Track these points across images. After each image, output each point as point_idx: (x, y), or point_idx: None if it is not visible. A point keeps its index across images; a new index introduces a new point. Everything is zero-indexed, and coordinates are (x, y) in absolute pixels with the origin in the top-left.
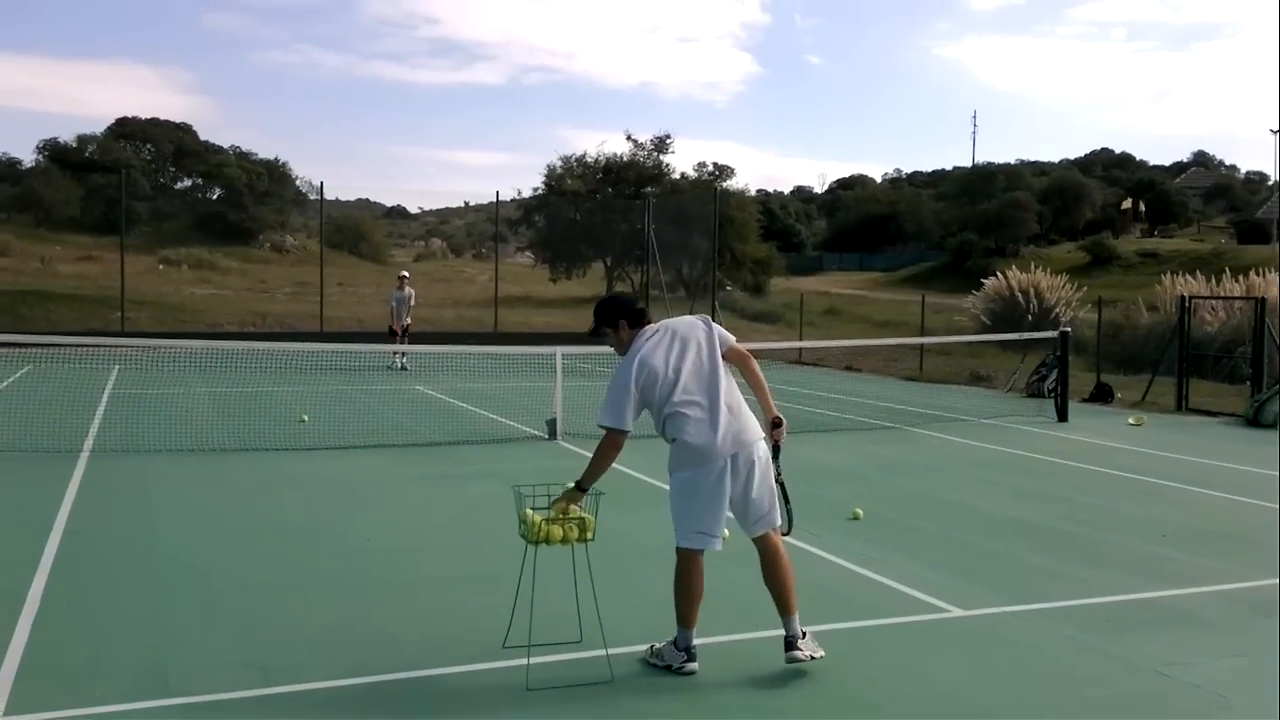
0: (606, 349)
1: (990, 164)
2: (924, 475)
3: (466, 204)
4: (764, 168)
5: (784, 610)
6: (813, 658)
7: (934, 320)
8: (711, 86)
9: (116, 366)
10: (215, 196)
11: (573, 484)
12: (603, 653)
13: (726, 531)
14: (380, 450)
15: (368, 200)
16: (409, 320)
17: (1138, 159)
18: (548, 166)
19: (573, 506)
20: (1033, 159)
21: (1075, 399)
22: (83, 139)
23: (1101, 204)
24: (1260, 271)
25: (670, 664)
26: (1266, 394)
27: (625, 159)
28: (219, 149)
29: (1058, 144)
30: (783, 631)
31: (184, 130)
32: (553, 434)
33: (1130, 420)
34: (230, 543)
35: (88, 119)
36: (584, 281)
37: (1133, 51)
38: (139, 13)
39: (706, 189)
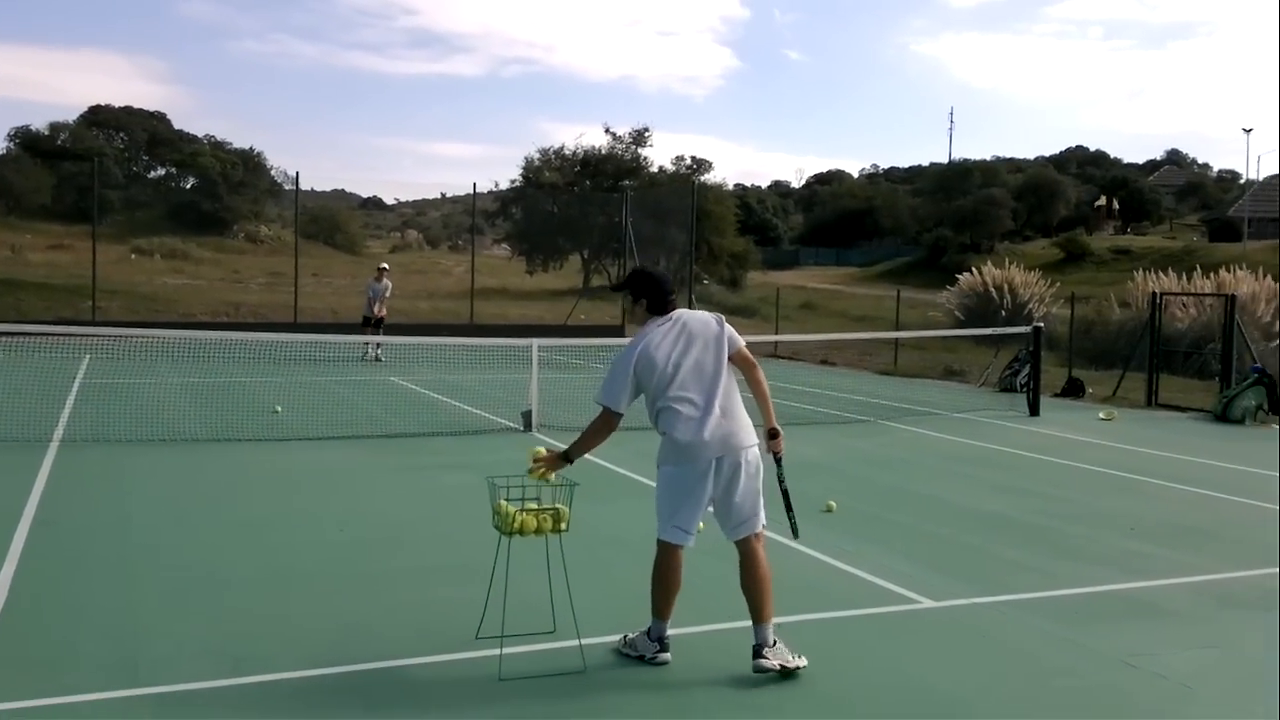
0: (582, 341)
1: (966, 160)
2: (897, 468)
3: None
4: (742, 162)
5: (756, 617)
6: (782, 667)
7: (909, 315)
8: (691, 80)
9: (87, 356)
10: (189, 186)
11: (562, 449)
12: (576, 643)
13: (702, 524)
14: (354, 441)
15: (343, 191)
16: (383, 311)
17: (1112, 157)
18: (525, 159)
19: (548, 515)
20: (1008, 156)
21: (1047, 394)
22: (55, 127)
23: (1076, 201)
24: (1231, 269)
25: (643, 654)
26: (1235, 390)
27: (603, 152)
28: (193, 138)
29: (1033, 141)
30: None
31: (158, 119)
32: (528, 426)
33: (1101, 415)
34: (202, 533)
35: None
36: (561, 274)
37: (1109, 50)
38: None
39: (684, 183)
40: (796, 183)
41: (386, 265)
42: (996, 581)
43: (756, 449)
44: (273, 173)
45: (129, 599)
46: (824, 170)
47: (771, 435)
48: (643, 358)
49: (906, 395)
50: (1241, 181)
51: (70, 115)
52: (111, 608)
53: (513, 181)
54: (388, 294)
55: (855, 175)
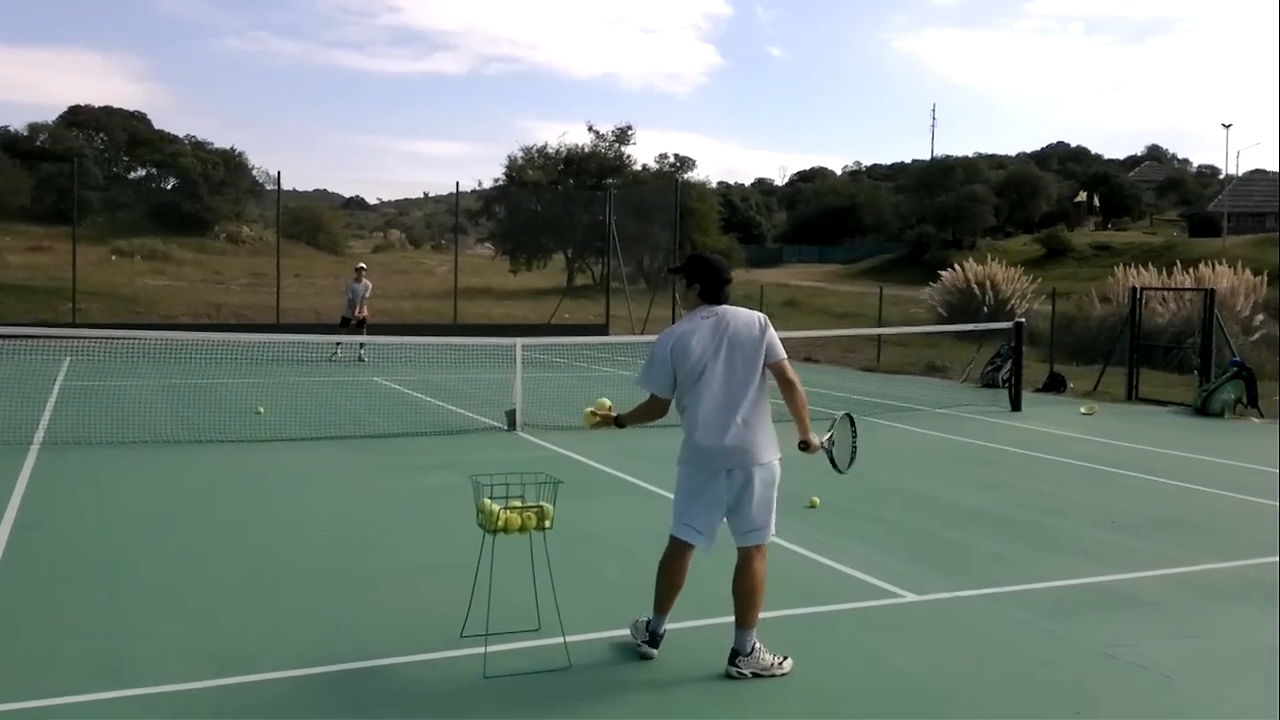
0: (566, 340)
1: (949, 157)
2: (880, 464)
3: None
4: (725, 160)
5: (738, 622)
6: (755, 675)
7: (891, 312)
8: (674, 78)
9: (68, 358)
10: (170, 186)
11: (615, 415)
12: (560, 641)
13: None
14: (337, 442)
15: (325, 191)
16: (365, 312)
17: (1093, 153)
18: (508, 157)
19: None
20: (990, 152)
21: (1029, 389)
22: (34, 127)
23: (1057, 197)
24: (1210, 264)
25: (636, 641)
26: (1215, 383)
27: (587, 150)
28: (174, 138)
29: (1015, 137)
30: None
31: (138, 119)
32: (512, 425)
33: (1082, 409)
34: (184, 535)
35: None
36: (544, 273)
37: (1090, 46)
38: None
39: (668, 181)
40: (780, 180)
41: (364, 265)
42: (978, 575)
43: (776, 463)
44: (254, 172)
45: (111, 601)
46: (807, 167)
47: (802, 447)
48: (678, 345)
49: (889, 391)
50: (1221, 177)
51: (49, 115)
52: (94, 610)
53: (496, 180)
54: (368, 294)
55: (838, 172)
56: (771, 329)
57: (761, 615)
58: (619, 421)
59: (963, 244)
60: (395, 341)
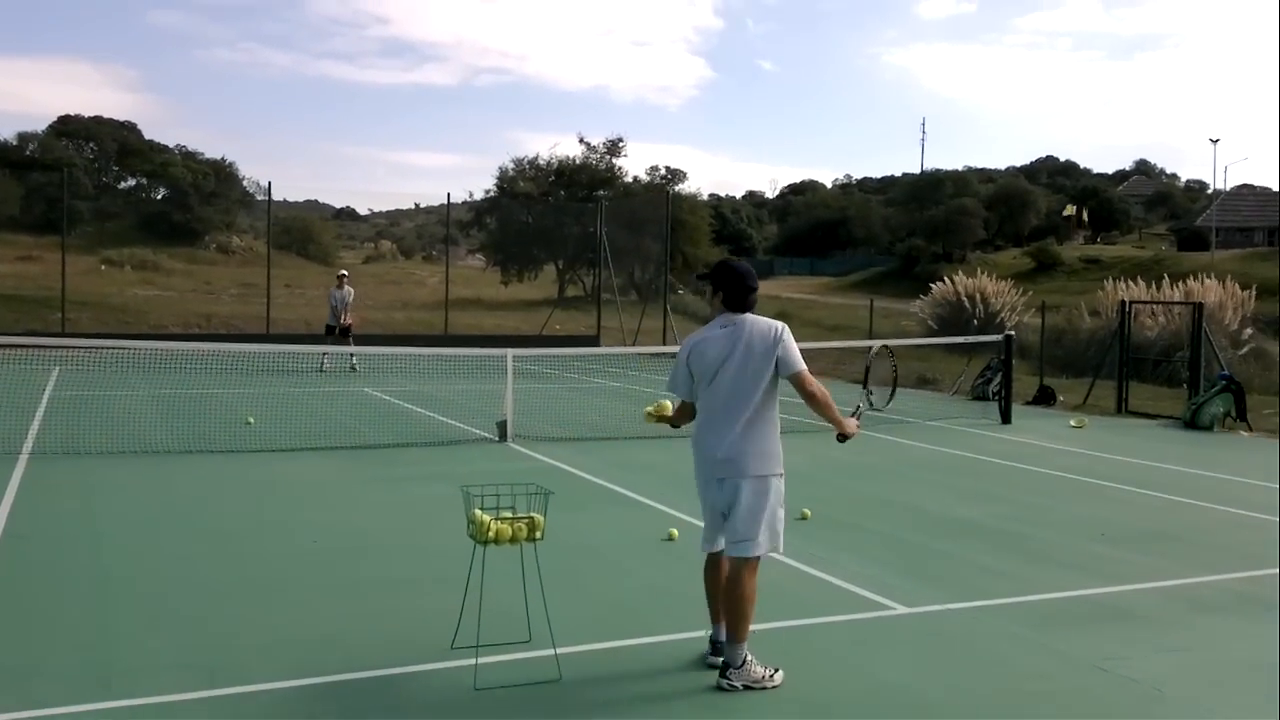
0: (557, 351)
1: (939, 170)
2: (871, 476)
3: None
4: (716, 172)
5: (728, 635)
6: (745, 688)
7: (882, 324)
8: (665, 90)
9: (57, 368)
10: (160, 196)
11: (670, 416)
12: (551, 652)
13: (675, 532)
14: (328, 453)
15: (316, 201)
16: (350, 320)
17: (1082, 167)
18: (500, 169)
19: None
20: (980, 166)
21: (1019, 402)
22: (23, 137)
23: (1046, 211)
24: (1199, 277)
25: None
26: (1203, 397)
27: (578, 162)
28: (164, 148)
29: (1004, 151)
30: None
31: (128, 129)
32: (503, 436)
33: (1072, 422)
34: (174, 545)
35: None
36: (535, 284)
37: (1078, 61)
38: (81, 9)
39: (659, 192)
40: (770, 193)
41: (346, 272)
42: (969, 587)
43: (771, 478)
44: (245, 183)
45: (101, 611)
46: (798, 180)
47: (841, 439)
48: (695, 351)
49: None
50: (1209, 191)
51: (39, 125)
52: (83, 620)
53: (487, 191)
54: (351, 299)
55: (829, 185)
56: (788, 341)
57: (751, 627)
58: (673, 422)
59: (953, 257)
60: (386, 352)
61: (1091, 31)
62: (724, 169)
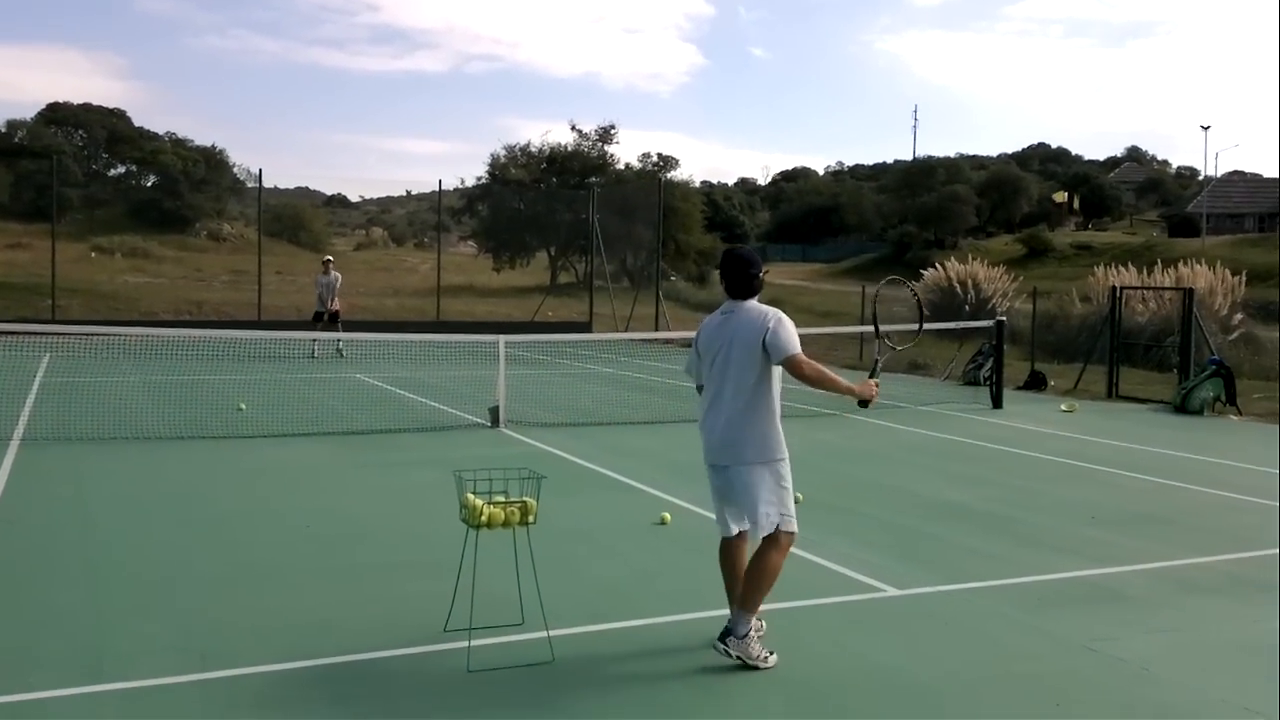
0: (549, 337)
1: (930, 157)
2: (863, 460)
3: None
4: (708, 159)
5: (740, 601)
6: (740, 659)
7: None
8: (656, 77)
9: (47, 355)
10: (150, 184)
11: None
12: (544, 635)
13: (668, 515)
14: (320, 438)
15: (307, 189)
16: (337, 305)
17: (1073, 154)
18: (491, 156)
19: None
20: (972, 153)
21: (1010, 387)
22: (12, 124)
23: (1038, 197)
24: (1189, 263)
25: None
26: (1194, 381)
27: (569, 149)
28: (154, 135)
29: (996, 138)
30: (725, 613)
31: (117, 116)
32: (495, 422)
33: (1062, 407)
34: (166, 530)
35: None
36: (527, 271)
37: (1070, 48)
38: None
39: (651, 180)
40: (763, 180)
41: (332, 257)
42: (960, 570)
43: (761, 465)
44: (235, 170)
45: (93, 596)
46: (790, 167)
47: (863, 404)
48: (699, 337)
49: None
50: (1200, 178)
51: (28, 112)
52: (75, 605)
53: (479, 178)
54: (338, 285)
55: (821, 172)
56: (778, 329)
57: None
58: None
59: (945, 244)
60: (378, 338)
61: (1083, 18)
62: (716, 156)
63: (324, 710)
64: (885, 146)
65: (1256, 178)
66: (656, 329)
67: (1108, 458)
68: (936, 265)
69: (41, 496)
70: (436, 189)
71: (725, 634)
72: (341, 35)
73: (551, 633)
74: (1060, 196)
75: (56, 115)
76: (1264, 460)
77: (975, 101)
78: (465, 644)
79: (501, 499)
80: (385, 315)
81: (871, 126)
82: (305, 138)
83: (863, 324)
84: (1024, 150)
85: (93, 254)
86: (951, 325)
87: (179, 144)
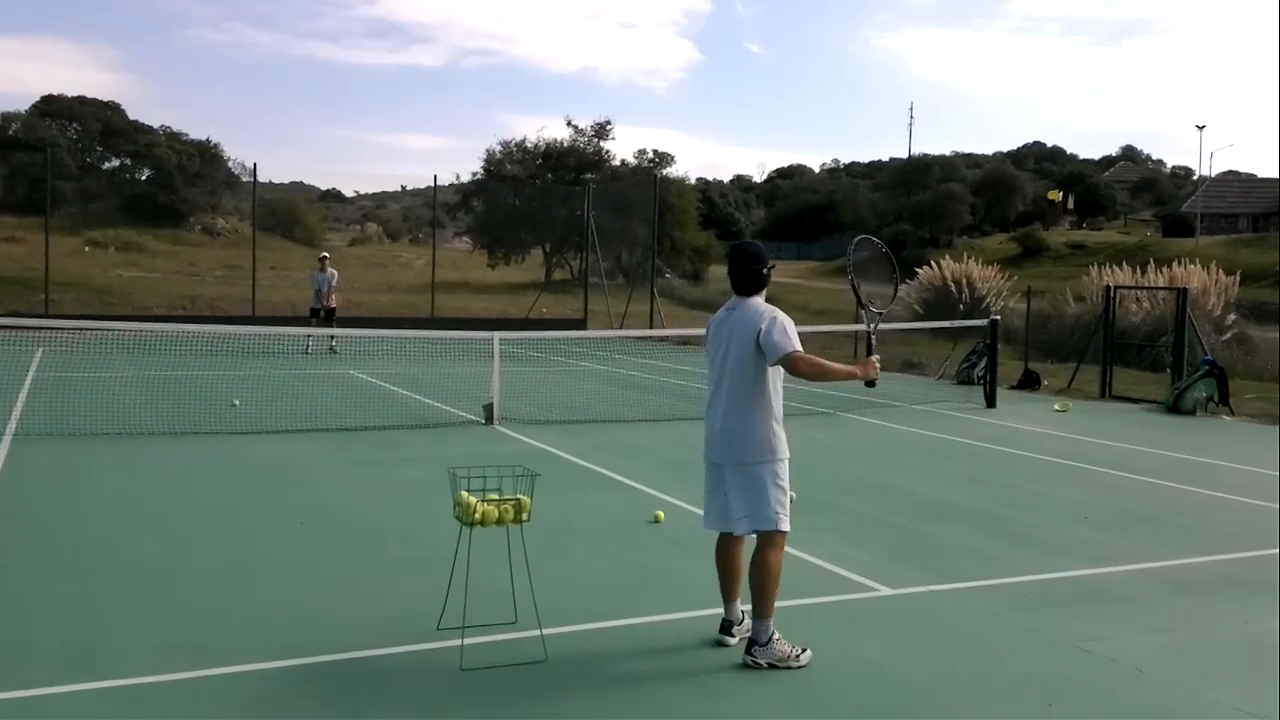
0: (544, 334)
1: (926, 156)
2: (856, 459)
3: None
4: (704, 156)
5: (753, 611)
6: (770, 665)
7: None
8: (652, 73)
9: (40, 349)
10: (144, 177)
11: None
12: (537, 633)
13: (661, 514)
14: (314, 435)
15: (302, 183)
16: (334, 302)
17: (1068, 152)
18: (487, 151)
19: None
20: (967, 151)
21: (1003, 386)
22: (6, 117)
23: (1033, 196)
24: (1183, 263)
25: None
26: (1186, 381)
27: (565, 145)
28: (148, 129)
29: (992, 137)
30: (719, 612)
31: (112, 109)
32: (489, 419)
33: (1056, 406)
34: (159, 526)
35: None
36: (522, 268)
37: (1066, 47)
38: None
39: (646, 176)
40: (758, 177)
41: (328, 254)
42: (953, 569)
43: (758, 466)
44: (230, 164)
45: (86, 592)
46: (785, 165)
47: (869, 384)
48: (708, 331)
49: (865, 387)
50: (1194, 178)
51: (22, 105)
52: (68, 601)
53: (474, 174)
54: (335, 282)
55: (816, 170)
56: (772, 328)
57: (743, 607)
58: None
59: (939, 242)
60: (372, 334)
61: (1080, 16)
62: (711, 153)
63: (316, 708)
64: (881, 144)
65: (1251, 178)
66: (651, 326)
67: (1101, 457)
68: (931, 264)
69: (34, 492)
70: (432, 184)
71: (749, 646)
72: (337, 29)
73: (545, 631)
74: (1054, 195)
75: (51, 108)
76: (1257, 460)
77: (971, 100)
78: (458, 642)
79: (495, 496)
80: (379, 311)
81: (867, 124)
82: (300, 132)
83: (857, 323)
84: (1019, 149)
85: (86, 248)
86: (946, 324)
87: (173, 138)
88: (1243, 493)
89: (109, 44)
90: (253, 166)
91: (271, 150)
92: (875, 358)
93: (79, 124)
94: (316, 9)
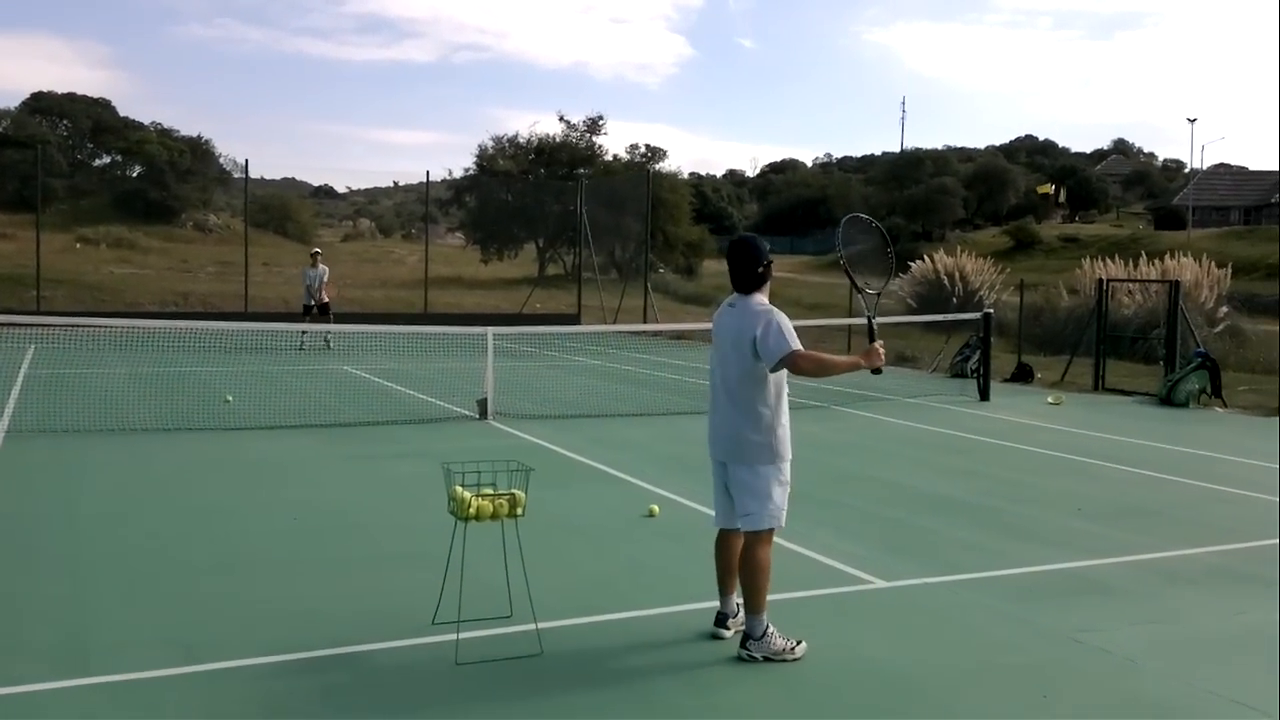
0: (537, 329)
1: (918, 150)
2: (850, 452)
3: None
4: (696, 151)
5: (745, 606)
6: (767, 659)
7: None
8: (644, 68)
9: (32, 346)
10: (135, 174)
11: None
12: (532, 627)
13: (656, 508)
14: (307, 430)
15: (294, 179)
16: (326, 297)
17: (1060, 146)
18: (479, 147)
19: (503, 500)
20: (959, 145)
21: (997, 379)
22: None
23: (1025, 190)
24: (1175, 256)
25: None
26: (1179, 374)
27: (558, 140)
28: (139, 125)
29: (984, 130)
30: (713, 606)
31: (102, 105)
32: (483, 414)
33: (1049, 399)
34: (152, 523)
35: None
36: (515, 263)
37: (1058, 40)
38: None
39: (639, 171)
40: (751, 171)
41: (320, 250)
42: (947, 561)
43: (759, 466)
44: (221, 160)
45: (79, 588)
46: (778, 159)
47: (876, 371)
48: (715, 325)
49: (859, 381)
50: (1186, 171)
51: (11, 102)
52: (61, 597)
53: (466, 170)
54: (326, 278)
55: (809, 164)
56: (767, 333)
57: (736, 600)
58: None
59: (932, 236)
60: (366, 330)
61: (1071, 10)
62: (704, 147)
63: (311, 702)
64: (873, 138)
65: (1242, 170)
66: (645, 321)
67: (1094, 450)
68: (924, 257)
69: (27, 487)
70: (424, 180)
71: (744, 640)
72: (328, 25)
73: (540, 625)
74: (1046, 189)
75: (41, 104)
76: (1249, 452)
77: (963, 93)
78: (454, 636)
79: (490, 491)
80: (372, 307)
81: (860, 118)
82: (292, 128)
83: (851, 316)
84: (1011, 142)
85: (78, 245)
86: (939, 318)
87: (164, 134)
88: (1235, 484)
89: (99, 40)
90: (244, 163)
91: (263, 146)
92: (879, 344)
93: (69, 121)
94: (306, 4)
